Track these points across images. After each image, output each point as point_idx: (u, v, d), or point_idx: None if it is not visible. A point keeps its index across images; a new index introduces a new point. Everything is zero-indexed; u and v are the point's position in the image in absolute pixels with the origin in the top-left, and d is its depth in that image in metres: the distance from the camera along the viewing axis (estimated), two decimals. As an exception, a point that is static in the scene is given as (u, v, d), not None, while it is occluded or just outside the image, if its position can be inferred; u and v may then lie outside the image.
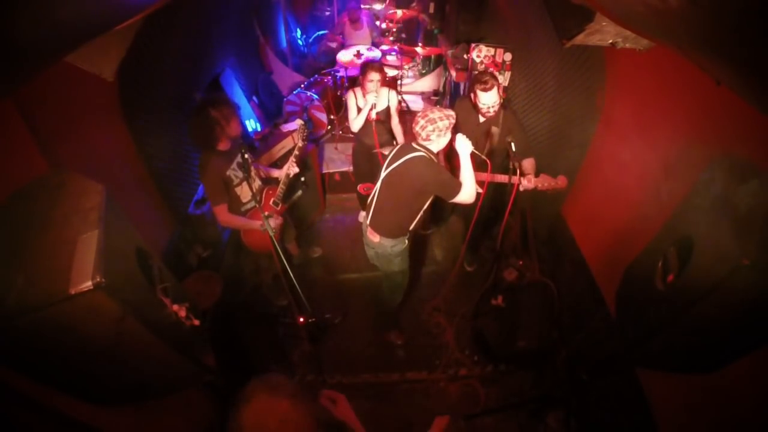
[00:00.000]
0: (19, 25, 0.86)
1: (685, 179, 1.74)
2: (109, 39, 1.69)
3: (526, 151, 2.77)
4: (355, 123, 3.37)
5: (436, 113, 2.24)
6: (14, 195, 1.32)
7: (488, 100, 2.61)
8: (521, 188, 2.61)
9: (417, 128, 2.26)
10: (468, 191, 2.33)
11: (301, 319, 2.65)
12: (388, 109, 3.39)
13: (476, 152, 2.39)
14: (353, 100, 3.36)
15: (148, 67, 2.49)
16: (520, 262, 3.45)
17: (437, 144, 2.31)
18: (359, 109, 3.33)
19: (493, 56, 3.87)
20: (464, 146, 2.33)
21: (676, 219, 1.51)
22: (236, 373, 2.71)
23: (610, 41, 1.82)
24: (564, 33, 1.84)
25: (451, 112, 2.29)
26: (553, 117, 3.32)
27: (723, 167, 1.35)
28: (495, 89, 2.59)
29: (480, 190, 2.88)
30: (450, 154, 2.71)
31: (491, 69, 3.84)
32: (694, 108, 1.83)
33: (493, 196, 3.22)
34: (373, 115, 3.29)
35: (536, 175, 2.63)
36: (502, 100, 2.71)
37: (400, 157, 2.34)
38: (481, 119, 2.81)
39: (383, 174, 2.43)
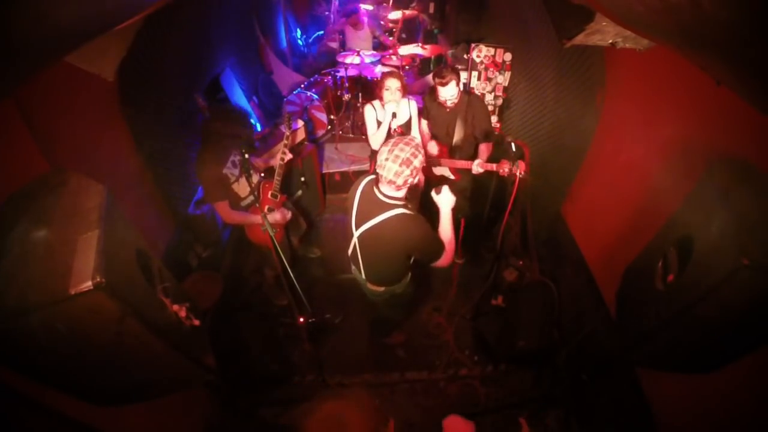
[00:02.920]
0: (19, 24, 0.86)
1: (685, 179, 1.74)
2: (109, 39, 1.69)
3: (489, 135, 3.05)
4: (375, 139, 2.95)
5: (407, 150, 1.81)
6: (14, 195, 1.31)
7: (445, 93, 2.81)
8: (474, 172, 2.82)
9: (390, 176, 1.81)
10: (448, 256, 2.02)
11: (301, 319, 2.65)
12: (409, 120, 3.02)
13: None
14: (372, 113, 2.96)
15: (148, 67, 2.49)
16: (520, 262, 3.45)
17: (405, 191, 1.94)
18: (379, 124, 2.92)
19: (493, 56, 3.88)
20: (447, 200, 2.04)
21: (676, 219, 1.52)
22: (236, 373, 2.72)
23: (610, 41, 1.82)
24: (564, 33, 1.84)
25: (417, 141, 1.92)
26: (553, 117, 3.32)
27: (723, 167, 1.35)
28: (452, 83, 2.75)
29: (453, 176, 3.07)
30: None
31: (491, 68, 3.85)
32: (694, 108, 1.83)
33: (494, 197, 3.23)
34: (394, 126, 2.94)
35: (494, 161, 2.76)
36: (462, 90, 2.90)
37: (374, 215, 1.93)
38: (448, 106, 2.97)
39: (356, 233, 2.05)
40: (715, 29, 0.79)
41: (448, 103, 2.88)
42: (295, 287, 2.50)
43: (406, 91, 2.91)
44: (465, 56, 4.18)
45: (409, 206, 1.96)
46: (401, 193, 1.94)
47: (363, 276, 2.29)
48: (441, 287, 3.52)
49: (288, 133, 2.72)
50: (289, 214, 2.89)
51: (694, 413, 1.77)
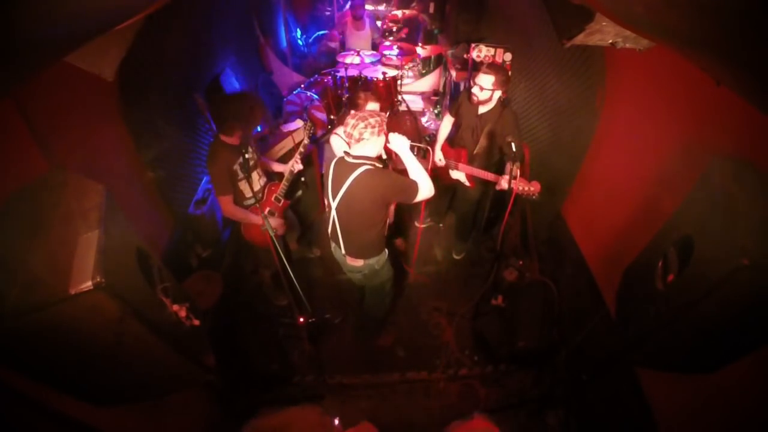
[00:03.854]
0: (20, 24, 0.86)
1: (685, 179, 1.74)
2: (109, 39, 1.69)
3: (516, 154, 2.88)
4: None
5: (366, 114, 2.13)
6: (14, 195, 1.31)
7: (480, 80, 2.76)
8: (497, 188, 2.77)
9: (348, 129, 2.11)
10: (425, 186, 2.17)
11: (301, 319, 2.65)
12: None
13: (415, 144, 2.30)
14: (339, 143, 2.80)
15: (148, 67, 2.49)
16: (520, 262, 3.45)
17: (373, 145, 2.15)
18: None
19: (493, 56, 3.87)
20: (400, 142, 2.21)
21: (676, 219, 1.52)
22: (236, 373, 2.72)
23: (610, 41, 1.82)
24: (564, 33, 1.85)
25: (381, 113, 2.20)
26: (553, 117, 3.32)
27: (723, 167, 1.35)
28: (491, 77, 2.72)
29: (468, 183, 3.03)
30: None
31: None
32: (693, 108, 1.83)
33: (494, 197, 3.22)
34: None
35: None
36: (494, 95, 2.81)
37: (345, 179, 2.15)
38: (480, 111, 2.90)
39: (334, 204, 2.26)
40: (716, 29, 0.79)
41: (474, 93, 2.80)
42: (295, 287, 2.50)
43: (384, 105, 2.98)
44: (465, 56, 4.18)
45: (376, 164, 2.17)
46: (368, 152, 2.16)
47: (342, 250, 2.41)
48: (441, 287, 3.52)
49: (305, 142, 2.82)
50: (284, 229, 2.90)
51: (694, 413, 1.77)
